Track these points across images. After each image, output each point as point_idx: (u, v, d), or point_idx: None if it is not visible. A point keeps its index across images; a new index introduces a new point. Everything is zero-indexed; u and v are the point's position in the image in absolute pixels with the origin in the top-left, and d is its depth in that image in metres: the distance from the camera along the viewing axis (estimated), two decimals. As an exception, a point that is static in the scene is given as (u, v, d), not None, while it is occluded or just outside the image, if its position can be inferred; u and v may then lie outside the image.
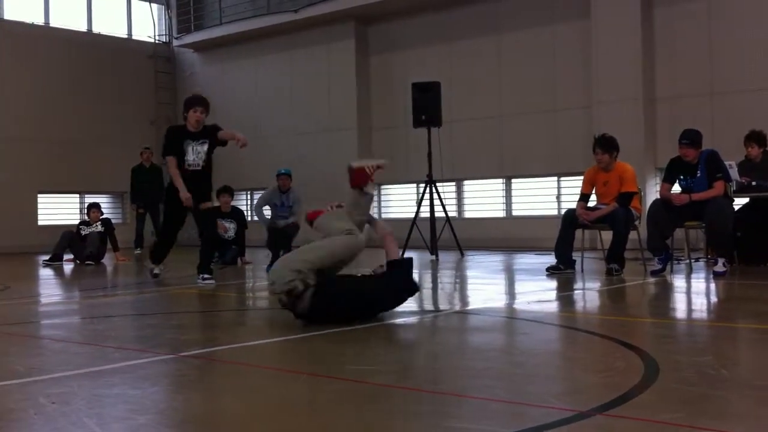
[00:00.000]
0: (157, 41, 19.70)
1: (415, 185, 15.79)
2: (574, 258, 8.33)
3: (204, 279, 8.03)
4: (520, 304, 6.21)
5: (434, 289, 7.74)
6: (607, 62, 13.28)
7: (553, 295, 6.78)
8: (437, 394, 3.12)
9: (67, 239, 12.07)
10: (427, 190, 11.81)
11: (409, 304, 5.44)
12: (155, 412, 2.93)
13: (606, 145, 8.21)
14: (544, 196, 14.59)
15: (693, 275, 8.05)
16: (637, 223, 8.25)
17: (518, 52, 14.59)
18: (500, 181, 15.17)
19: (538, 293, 6.83)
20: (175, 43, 19.51)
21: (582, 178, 8.61)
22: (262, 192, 11.67)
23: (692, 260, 9.05)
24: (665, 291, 6.92)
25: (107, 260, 12.19)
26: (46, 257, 12.08)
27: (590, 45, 13.55)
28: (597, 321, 5.33)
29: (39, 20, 17.89)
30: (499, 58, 14.82)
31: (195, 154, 7.99)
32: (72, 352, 4.33)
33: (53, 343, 4.73)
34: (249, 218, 12.88)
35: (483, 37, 15.01)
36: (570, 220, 8.31)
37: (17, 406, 2.98)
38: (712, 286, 7.17)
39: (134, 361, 3.84)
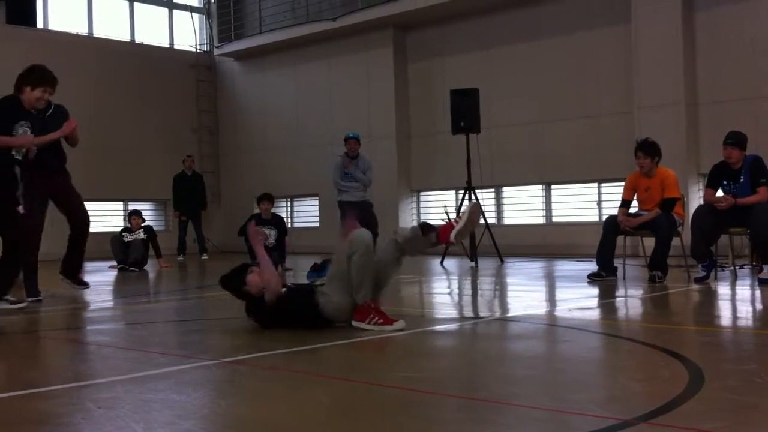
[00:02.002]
0: (198, 50, 19.95)
1: (454, 191, 15.75)
2: (615, 265, 8.26)
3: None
4: (562, 311, 6.17)
5: (474, 296, 7.73)
6: (648, 67, 13.15)
7: (594, 302, 6.73)
8: (478, 401, 3.12)
9: (118, 243, 12.27)
10: (466, 196, 11.79)
11: (450, 311, 5.43)
12: (199, 417, 2.97)
13: (648, 149, 8.14)
14: (584, 203, 14.47)
15: (738, 282, 7.93)
16: (679, 229, 8.16)
17: (558, 58, 14.49)
18: (540, 187, 15.08)
19: (579, 300, 6.78)
20: (216, 52, 19.73)
21: (623, 184, 8.55)
22: (333, 164, 11.68)
23: (737, 267, 8.91)
24: (709, 298, 6.83)
25: (150, 267, 12.37)
26: (113, 263, 12.32)
27: (631, 49, 13.42)
28: (640, 329, 5.28)
29: (83, 31, 18.22)
30: (538, 64, 14.73)
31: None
32: (118, 358, 4.40)
33: (100, 348, 4.81)
34: (289, 225, 12.95)
35: (522, 43, 14.95)
36: (612, 227, 8.24)
37: (65, 411, 3.04)
38: (758, 293, 7.05)
39: (179, 366, 3.90)
